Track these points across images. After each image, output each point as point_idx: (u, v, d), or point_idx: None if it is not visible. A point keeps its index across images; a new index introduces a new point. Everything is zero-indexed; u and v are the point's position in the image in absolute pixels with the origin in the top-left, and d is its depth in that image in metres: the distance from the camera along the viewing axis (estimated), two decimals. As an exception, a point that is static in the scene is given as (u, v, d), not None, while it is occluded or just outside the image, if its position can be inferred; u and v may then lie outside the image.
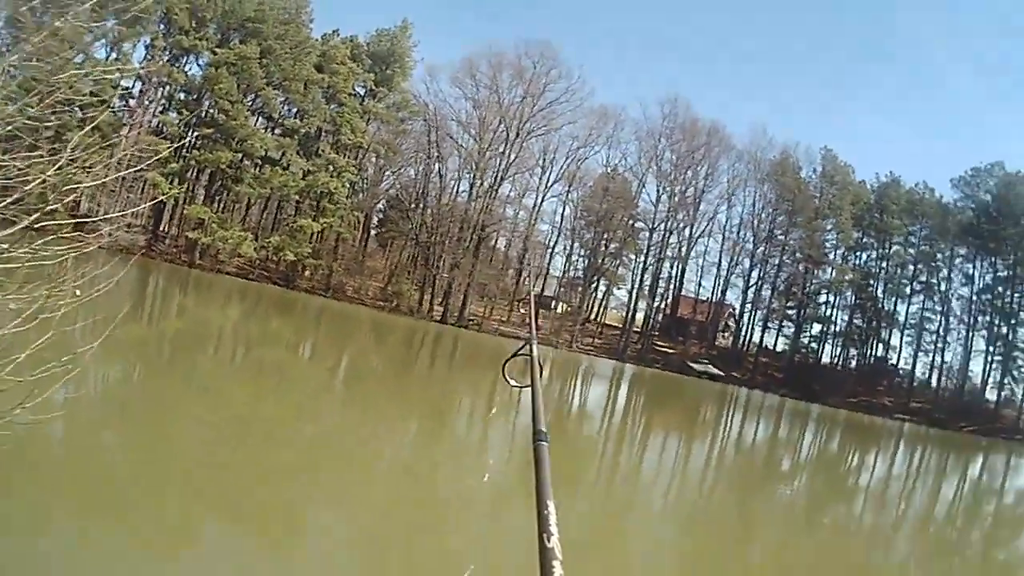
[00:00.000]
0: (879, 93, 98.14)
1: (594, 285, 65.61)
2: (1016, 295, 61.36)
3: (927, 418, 57.85)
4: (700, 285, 65.68)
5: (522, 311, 60.28)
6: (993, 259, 62.18)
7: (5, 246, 4.47)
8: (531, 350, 2.38)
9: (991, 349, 62.26)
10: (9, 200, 4.24)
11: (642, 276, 64.64)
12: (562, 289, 66.79)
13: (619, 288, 67.12)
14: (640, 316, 64.93)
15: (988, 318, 62.65)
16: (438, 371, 34.16)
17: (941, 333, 63.42)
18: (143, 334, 17.85)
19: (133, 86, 49.53)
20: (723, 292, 65.47)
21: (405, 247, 60.29)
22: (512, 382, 2.45)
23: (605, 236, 62.41)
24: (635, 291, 64.67)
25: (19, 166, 4.33)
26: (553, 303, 65.26)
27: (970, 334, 63.01)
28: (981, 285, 63.16)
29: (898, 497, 24.29)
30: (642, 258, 64.04)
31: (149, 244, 48.34)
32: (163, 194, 45.24)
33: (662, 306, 66.77)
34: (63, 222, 4.99)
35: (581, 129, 61.33)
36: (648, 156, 62.94)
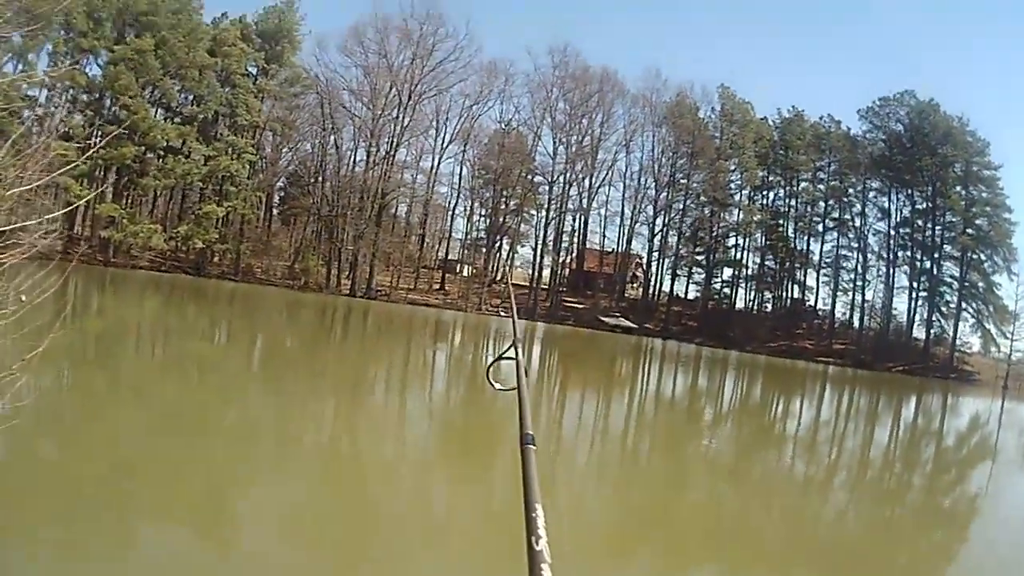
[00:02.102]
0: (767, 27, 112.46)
1: (497, 245, 77.32)
2: (938, 227, 71.85)
3: (852, 359, 68.02)
4: (605, 237, 77.60)
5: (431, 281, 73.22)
6: (910, 191, 73.22)
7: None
8: (516, 353, 2.87)
9: (915, 285, 72.86)
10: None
11: (545, 231, 76.95)
12: (465, 251, 78.91)
13: (523, 246, 78.96)
14: (547, 273, 77.02)
15: (909, 253, 73.43)
16: (351, 345, 39.55)
17: (859, 271, 74.83)
18: (69, 339, 19.70)
19: (40, 93, 60.28)
20: (628, 242, 77.08)
21: (308, 223, 71.91)
22: (497, 385, 2.93)
23: (504, 193, 74.63)
24: (539, 248, 76.61)
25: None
26: (458, 266, 77.25)
27: (891, 270, 73.99)
28: (899, 219, 74.29)
29: (829, 443, 27.04)
30: (544, 213, 76.69)
31: (65, 248, 54.22)
32: (76, 198, 51.58)
33: (568, 261, 78.87)
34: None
35: (472, 86, 74.14)
36: (541, 108, 75.77)
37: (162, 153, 64.98)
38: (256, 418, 17.11)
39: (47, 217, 8.16)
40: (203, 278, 63.31)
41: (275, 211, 76.27)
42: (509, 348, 3.06)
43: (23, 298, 6.33)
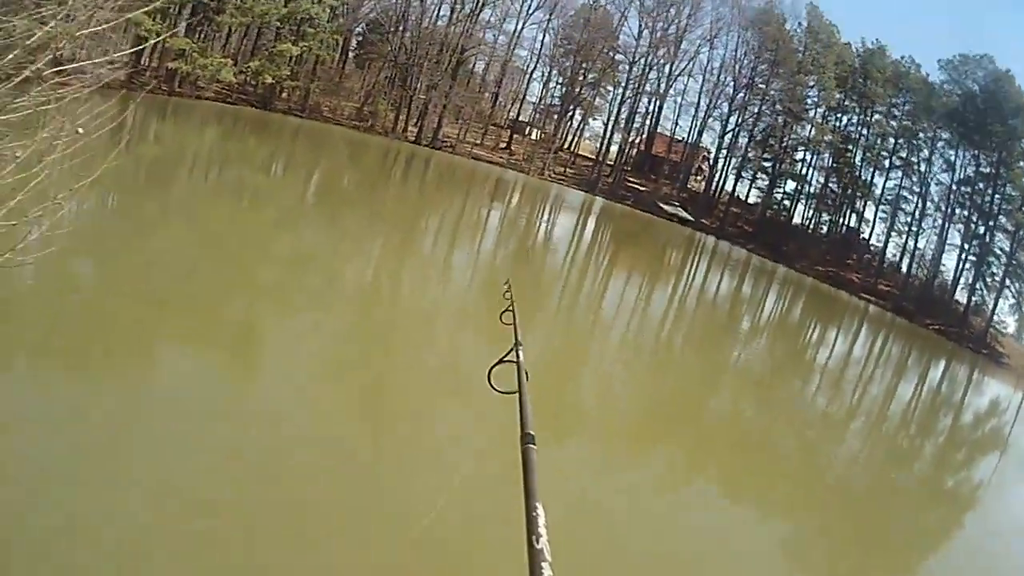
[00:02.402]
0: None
1: (570, 114, 78.66)
2: (997, 196, 70.70)
3: (894, 304, 68.69)
4: (676, 124, 78.56)
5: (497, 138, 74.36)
6: (976, 152, 72.01)
7: (7, 99, 5.69)
8: (517, 356, 2.95)
9: (966, 247, 72.11)
10: (9, 57, 5.49)
11: (619, 109, 77.64)
12: (537, 115, 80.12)
13: (595, 119, 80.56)
14: (614, 150, 78.19)
15: (966, 212, 72.67)
16: (410, 190, 40.28)
17: (916, 216, 74.64)
18: (123, 167, 19.48)
19: (117, -63, 62.94)
20: (699, 134, 77.81)
21: (383, 69, 71.75)
22: (498, 389, 2.80)
23: (584, 66, 75.63)
24: (611, 123, 77.78)
25: (16, 24, 5.67)
26: (528, 129, 78.57)
27: (946, 224, 73.47)
28: (962, 176, 73.27)
29: (855, 384, 27.69)
30: (620, 91, 77.25)
31: (130, 78, 51.20)
32: (147, 31, 48.96)
33: (637, 141, 79.71)
34: (61, 68, 6.25)
35: (562, -39, 72.73)
36: (631, -9, 74.78)
37: (241, -8, 63.18)
38: (302, 253, 17.30)
39: (116, 55, 8.27)
40: (269, 112, 63.54)
41: (351, 54, 75.96)
42: (510, 352, 3.10)
43: (80, 131, 6.19)
